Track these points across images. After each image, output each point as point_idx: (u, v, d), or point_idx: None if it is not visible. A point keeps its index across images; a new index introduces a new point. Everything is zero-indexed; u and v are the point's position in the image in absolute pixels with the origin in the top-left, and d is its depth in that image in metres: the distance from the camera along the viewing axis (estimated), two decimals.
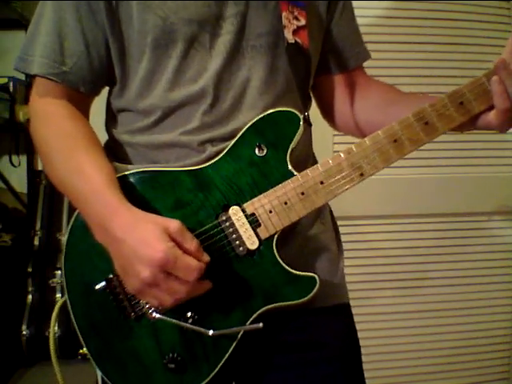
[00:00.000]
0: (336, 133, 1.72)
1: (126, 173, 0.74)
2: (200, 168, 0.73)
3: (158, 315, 0.70)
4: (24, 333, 1.60)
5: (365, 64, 0.96)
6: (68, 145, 0.72)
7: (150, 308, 0.71)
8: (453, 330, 1.87)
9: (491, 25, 1.82)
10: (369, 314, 1.79)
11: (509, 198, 1.86)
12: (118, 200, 0.66)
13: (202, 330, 0.69)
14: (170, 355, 0.71)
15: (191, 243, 0.64)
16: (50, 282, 1.63)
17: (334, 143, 1.74)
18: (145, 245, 0.61)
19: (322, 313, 0.80)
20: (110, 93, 0.82)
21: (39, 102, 0.76)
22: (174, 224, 0.64)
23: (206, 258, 0.65)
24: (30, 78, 0.79)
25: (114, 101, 0.81)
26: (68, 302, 0.75)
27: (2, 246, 1.67)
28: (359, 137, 0.89)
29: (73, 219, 0.75)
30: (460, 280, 1.86)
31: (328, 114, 0.94)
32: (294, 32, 0.75)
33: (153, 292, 0.63)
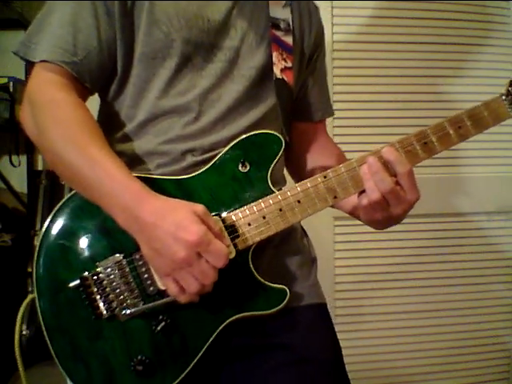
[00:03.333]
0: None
1: None
2: (184, 178, 0.76)
3: (129, 311, 0.72)
4: (24, 333, 1.60)
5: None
6: (82, 133, 0.71)
7: (122, 308, 0.72)
8: (453, 330, 1.87)
9: (491, 25, 1.82)
10: (368, 314, 1.79)
11: (509, 198, 1.86)
12: (144, 189, 0.69)
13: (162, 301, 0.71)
14: (139, 357, 0.72)
15: (215, 225, 0.68)
16: None
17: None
18: (181, 228, 0.64)
19: (295, 311, 0.82)
20: (103, 97, 0.83)
21: (44, 88, 0.75)
22: (199, 207, 0.67)
23: (227, 241, 0.70)
24: (30, 66, 0.77)
25: (107, 105, 0.82)
26: (36, 299, 0.75)
27: (1, 246, 1.67)
28: (295, 179, 1.00)
29: (49, 218, 0.76)
30: (460, 280, 1.86)
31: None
32: (282, 70, 0.85)
33: (182, 274, 0.66)
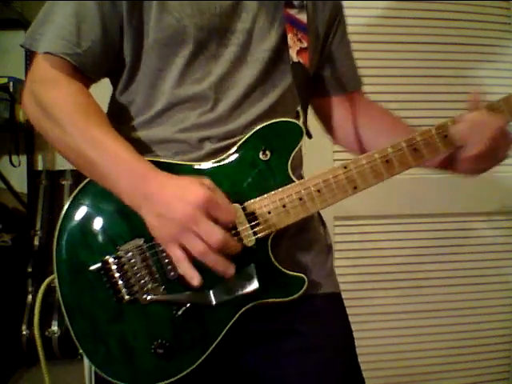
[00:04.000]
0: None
1: None
2: (203, 164, 0.76)
3: (150, 297, 0.72)
4: (24, 333, 1.60)
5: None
6: (85, 113, 0.72)
7: (143, 293, 0.72)
8: (453, 330, 1.87)
9: (491, 25, 1.82)
10: (369, 314, 1.80)
11: (509, 198, 1.86)
12: (150, 166, 0.69)
13: (205, 298, 0.71)
14: (159, 341, 0.73)
15: (222, 196, 0.68)
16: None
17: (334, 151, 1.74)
18: (187, 189, 0.65)
19: (311, 300, 0.82)
20: (115, 86, 0.83)
21: (46, 79, 0.75)
22: (207, 180, 0.68)
23: (237, 209, 0.71)
24: (35, 56, 0.77)
25: (119, 94, 0.82)
26: (56, 279, 0.75)
27: (1, 246, 1.67)
28: (357, 154, 0.94)
29: (69, 201, 0.76)
30: (460, 280, 1.86)
31: (332, 133, 1.01)
32: (298, 52, 0.83)
33: (187, 235, 0.65)
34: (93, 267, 0.73)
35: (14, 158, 1.84)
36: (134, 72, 0.79)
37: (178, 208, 0.64)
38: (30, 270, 1.67)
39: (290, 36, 0.82)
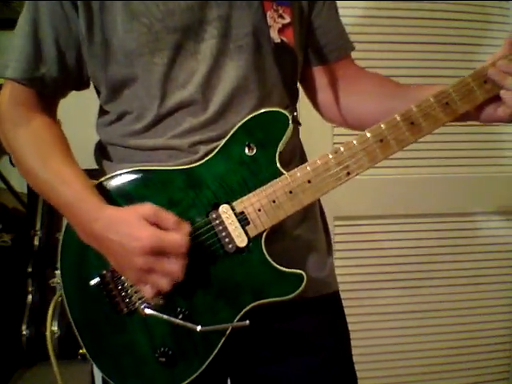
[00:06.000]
0: (336, 130, 1.72)
1: (119, 172, 0.75)
2: (192, 167, 0.74)
3: (148, 311, 0.72)
4: (24, 333, 1.60)
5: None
6: (44, 151, 0.75)
7: (141, 303, 0.73)
8: (453, 330, 1.87)
9: (491, 25, 1.82)
10: (369, 314, 1.79)
11: (509, 198, 1.86)
12: (97, 206, 0.70)
13: (190, 325, 0.71)
14: (161, 349, 0.73)
15: (168, 220, 0.67)
16: (50, 282, 1.62)
17: (334, 134, 1.74)
18: (130, 238, 0.65)
19: (309, 304, 0.82)
20: (99, 96, 0.83)
21: (10, 105, 0.78)
22: (146, 208, 0.67)
23: (187, 227, 0.68)
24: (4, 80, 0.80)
25: (104, 105, 0.82)
26: (64, 296, 0.77)
27: (1, 246, 1.67)
28: (351, 128, 0.92)
29: None
30: (460, 280, 1.86)
31: (316, 106, 0.95)
32: (280, 31, 0.77)
33: (150, 278, 0.66)
34: (92, 282, 0.74)
35: None
36: (113, 87, 0.77)
37: (130, 259, 0.65)
38: (29, 269, 1.66)
39: (268, 14, 0.75)
